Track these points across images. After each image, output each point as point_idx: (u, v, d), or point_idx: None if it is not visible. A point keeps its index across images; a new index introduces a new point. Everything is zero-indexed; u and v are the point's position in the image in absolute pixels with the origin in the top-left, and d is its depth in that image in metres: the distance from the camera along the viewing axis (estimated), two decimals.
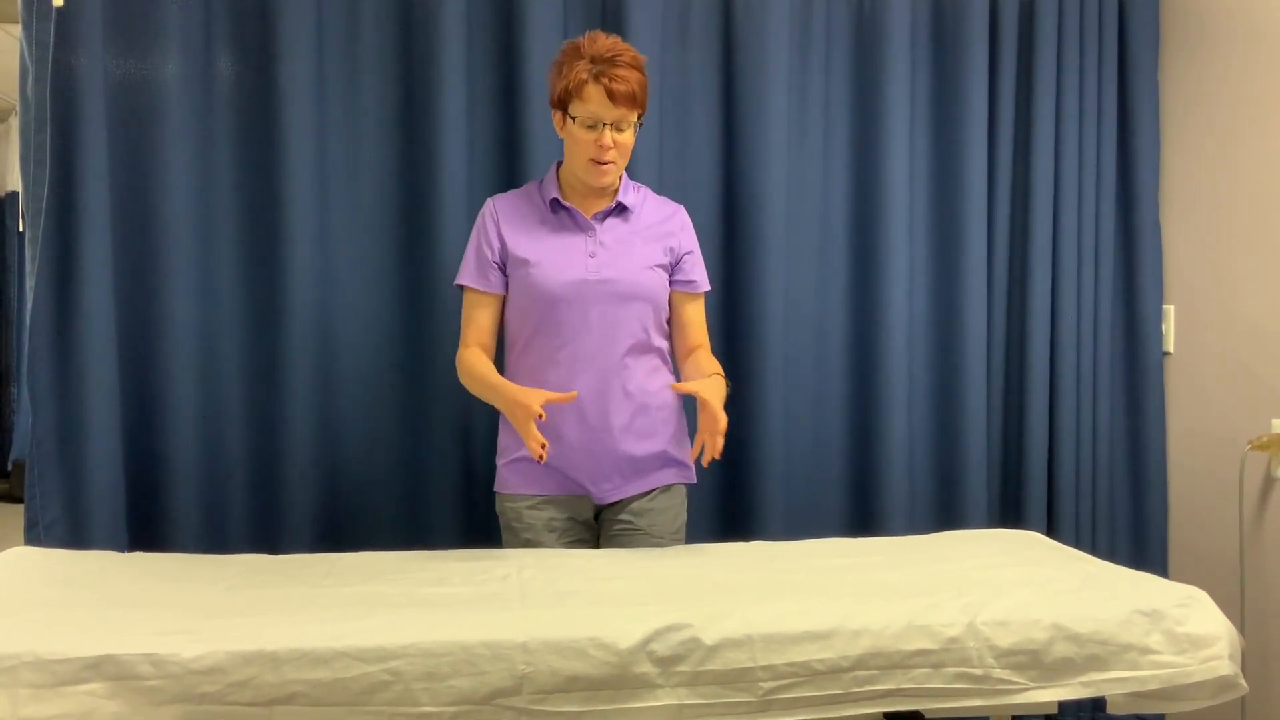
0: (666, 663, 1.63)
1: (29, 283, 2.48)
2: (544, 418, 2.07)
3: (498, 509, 2.38)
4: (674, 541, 2.35)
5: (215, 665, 1.52)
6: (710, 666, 1.64)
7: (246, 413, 2.65)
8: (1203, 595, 1.82)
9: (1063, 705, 2.86)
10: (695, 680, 1.63)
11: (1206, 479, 2.97)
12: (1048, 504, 3.06)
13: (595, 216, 2.30)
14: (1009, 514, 3.07)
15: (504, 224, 2.30)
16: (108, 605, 1.74)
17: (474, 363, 2.26)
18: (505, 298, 2.31)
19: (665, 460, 2.35)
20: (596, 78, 2.16)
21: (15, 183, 7.32)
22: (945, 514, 3.00)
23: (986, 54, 2.98)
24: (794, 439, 2.90)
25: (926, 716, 1.79)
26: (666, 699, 1.62)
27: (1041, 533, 2.86)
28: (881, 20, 2.92)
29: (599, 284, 2.25)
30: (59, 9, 2.42)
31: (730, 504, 2.86)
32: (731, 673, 1.64)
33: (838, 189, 2.96)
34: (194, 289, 2.59)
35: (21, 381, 2.57)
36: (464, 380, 2.29)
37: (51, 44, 2.43)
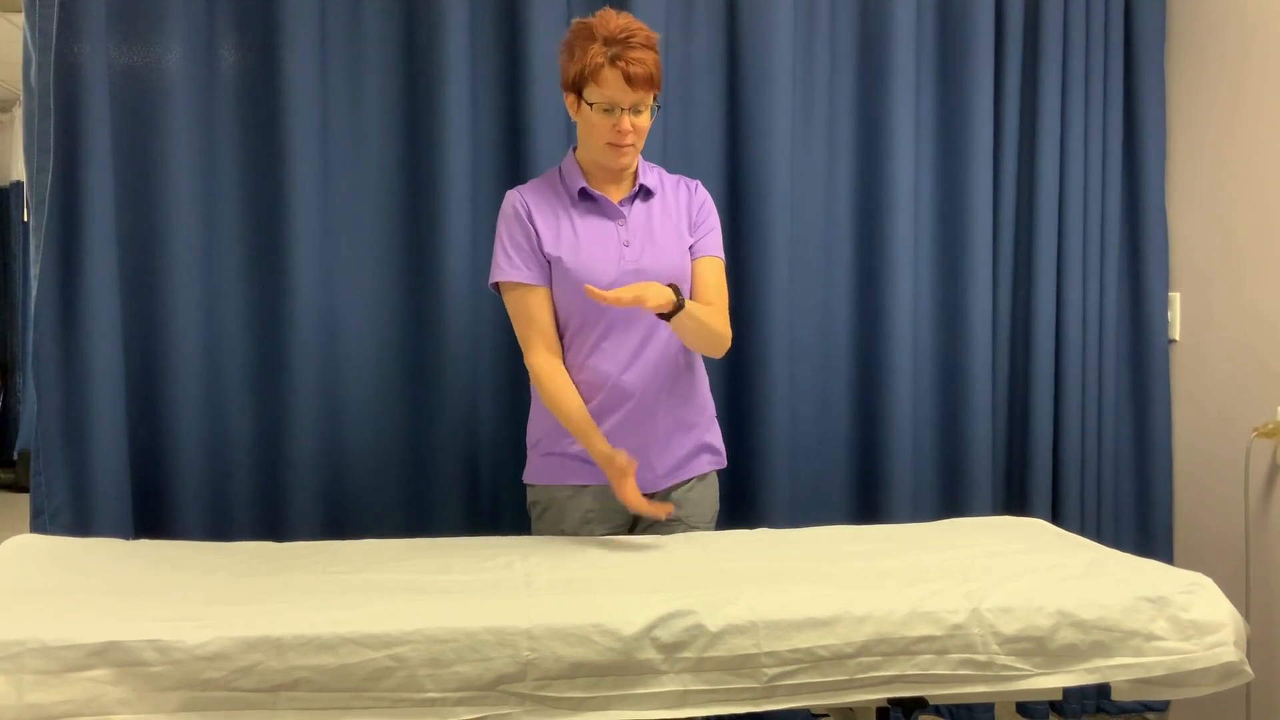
0: (671, 649, 1.63)
1: (33, 272, 2.48)
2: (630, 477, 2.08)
3: (530, 500, 2.34)
4: (708, 529, 2.35)
5: (220, 651, 1.52)
6: (714, 653, 1.64)
7: (251, 400, 2.65)
8: (1208, 582, 1.82)
9: (1067, 692, 2.87)
10: (699, 666, 1.64)
11: (1212, 466, 2.96)
12: (1053, 491, 3.06)
13: (621, 203, 2.24)
14: (1014, 501, 3.07)
15: (535, 213, 2.21)
16: (112, 592, 1.74)
17: (561, 391, 2.17)
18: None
19: (702, 448, 2.35)
20: (613, 61, 2.06)
21: (20, 172, 7.33)
22: (950, 501, 3.00)
23: (992, 43, 2.97)
24: (799, 427, 2.90)
25: (931, 703, 1.79)
26: (671, 685, 1.63)
27: (1047, 520, 2.86)
28: (887, 10, 2.91)
29: (636, 274, 2.18)
30: None
31: (736, 491, 2.86)
32: (736, 659, 1.64)
33: (843, 178, 2.96)
34: (198, 277, 2.59)
35: (27, 371, 2.58)
36: (546, 402, 2.20)
37: (55, 33, 2.43)
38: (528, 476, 2.35)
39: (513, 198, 2.25)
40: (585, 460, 2.23)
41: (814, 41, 2.91)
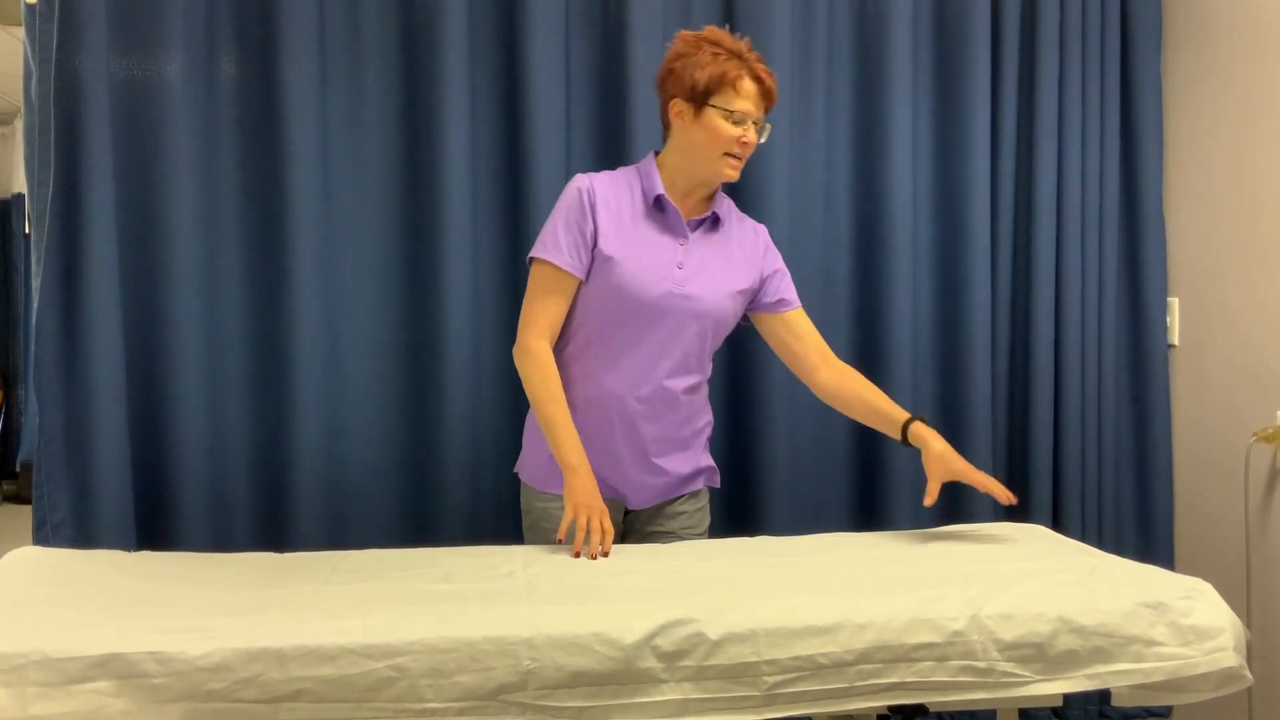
0: (671, 657, 1.63)
1: (35, 284, 2.49)
2: (584, 527, 2.05)
3: (525, 504, 2.32)
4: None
5: (221, 663, 1.53)
6: (715, 661, 1.64)
7: (252, 412, 2.65)
8: (1207, 587, 1.82)
9: (1069, 698, 2.88)
10: (700, 675, 1.64)
11: (1212, 471, 2.96)
12: (1053, 497, 3.06)
13: (690, 223, 2.20)
14: (1015, 507, 3.04)
15: (601, 210, 2.16)
16: (115, 604, 1.74)
17: (550, 385, 2.14)
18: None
19: (696, 468, 2.34)
20: (752, 74, 2.10)
21: (21, 184, 7.34)
22: (951, 507, 2.99)
23: (989, 46, 2.98)
24: (799, 433, 2.90)
25: (931, 710, 1.79)
26: (671, 694, 1.63)
27: (1047, 526, 2.86)
28: (884, 14, 2.92)
29: (681, 298, 2.17)
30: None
31: (736, 499, 2.86)
32: (736, 667, 1.64)
33: (841, 182, 2.96)
34: (199, 289, 2.60)
35: (29, 383, 2.58)
36: (533, 390, 2.16)
37: (55, 46, 2.43)
38: (526, 476, 2.32)
39: (582, 182, 2.19)
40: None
41: (811, 47, 2.91)
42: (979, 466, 2.94)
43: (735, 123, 2.11)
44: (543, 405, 2.15)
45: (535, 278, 2.18)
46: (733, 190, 2.85)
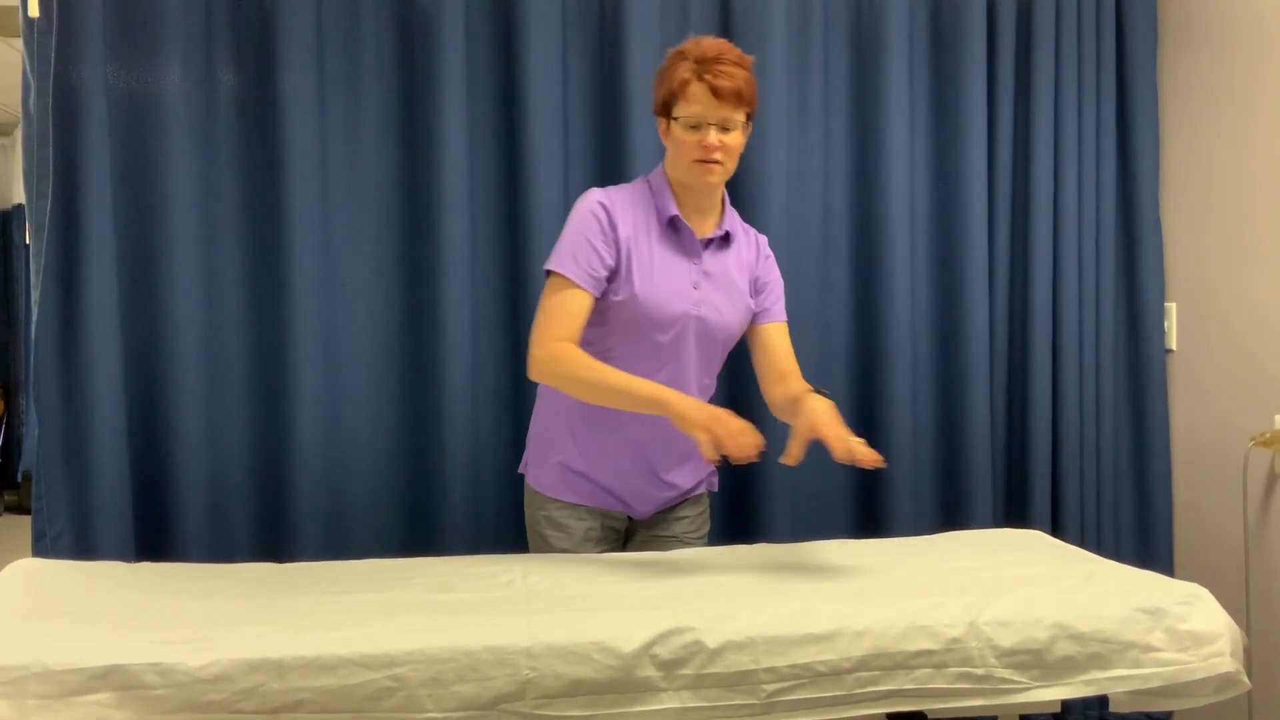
0: (670, 666, 1.63)
1: (34, 295, 2.50)
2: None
3: (530, 512, 2.31)
4: (700, 545, 2.35)
5: (221, 674, 1.53)
6: (713, 669, 1.64)
7: (252, 422, 2.66)
8: (1204, 592, 1.82)
9: (1068, 704, 2.87)
10: (698, 683, 1.64)
11: (1211, 476, 2.97)
12: (1052, 503, 3.06)
13: (702, 241, 2.18)
14: (1014, 513, 3.07)
15: (620, 226, 2.13)
16: (114, 616, 1.74)
17: (591, 366, 2.03)
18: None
19: (700, 477, 2.35)
20: (699, 76, 2.04)
21: (21, 195, 7.35)
22: (950, 514, 3.00)
23: (985, 50, 2.99)
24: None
25: (930, 717, 1.79)
26: (670, 702, 1.63)
27: (1046, 532, 2.87)
28: (880, 17, 2.93)
29: (697, 319, 2.17)
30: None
31: (735, 506, 2.87)
32: (734, 675, 1.64)
33: (838, 186, 2.97)
34: (198, 299, 2.61)
35: (29, 393, 2.58)
36: (576, 385, 2.07)
37: (53, 58, 2.44)
38: (532, 480, 2.31)
39: (599, 197, 2.15)
40: (586, 476, 2.23)
41: (808, 49, 2.92)
42: (978, 472, 2.97)
43: (693, 128, 2.08)
44: (598, 385, 2.04)
45: (550, 289, 2.12)
46: (730, 188, 2.86)
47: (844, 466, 2.94)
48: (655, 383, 2.04)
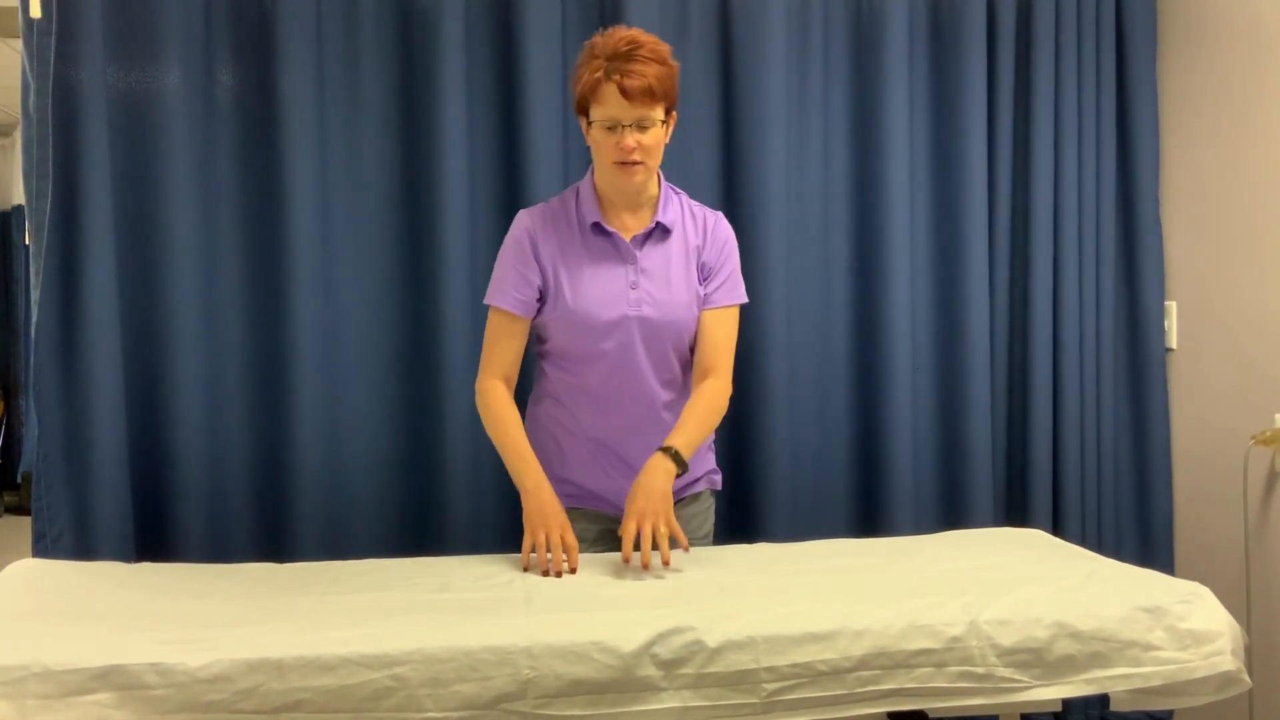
0: (670, 665, 1.63)
1: (34, 295, 2.50)
2: (549, 545, 2.00)
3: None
4: (703, 545, 2.33)
5: (221, 674, 1.53)
6: (714, 669, 1.64)
7: (251, 423, 2.66)
8: (1205, 591, 1.82)
9: (1070, 703, 2.87)
10: (699, 683, 1.64)
11: (1211, 474, 2.97)
12: (1053, 502, 3.06)
13: (635, 240, 2.16)
14: (1014, 512, 3.07)
15: (542, 245, 2.15)
16: (115, 616, 1.75)
17: (504, 418, 2.14)
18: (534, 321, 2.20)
19: (698, 474, 2.34)
20: (609, 76, 1.99)
21: (21, 196, 7.35)
22: (951, 513, 3.00)
23: (985, 52, 2.98)
24: (798, 440, 2.90)
25: (931, 716, 1.79)
26: (670, 701, 1.63)
27: (1047, 531, 2.86)
28: (880, 19, 2.93)
29: (639, 320, 2.15)
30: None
31: (735, 506, 2.86)
32: (735, 674, 1.65)
33: (838, 187, 2.96)
34: (198, 300, 2.61)
35: (29, 394, 2.58)
36: (488, 427, 2.17)
37: (52, 59, 2.44)
38: None
39: (523, 222, 2.18)
40: (567, 480, 2.24)
41: (807, 51, 2.91)
42: (979, 471, 2.97)
43: (608, 130, 2.05)
44: (497, 440, 2.16)
45: (489, 321, 2.20)
46: (731, 195, 2.86)
47: (844, 466, 2.97)
48: (536, 464, 2.11)
